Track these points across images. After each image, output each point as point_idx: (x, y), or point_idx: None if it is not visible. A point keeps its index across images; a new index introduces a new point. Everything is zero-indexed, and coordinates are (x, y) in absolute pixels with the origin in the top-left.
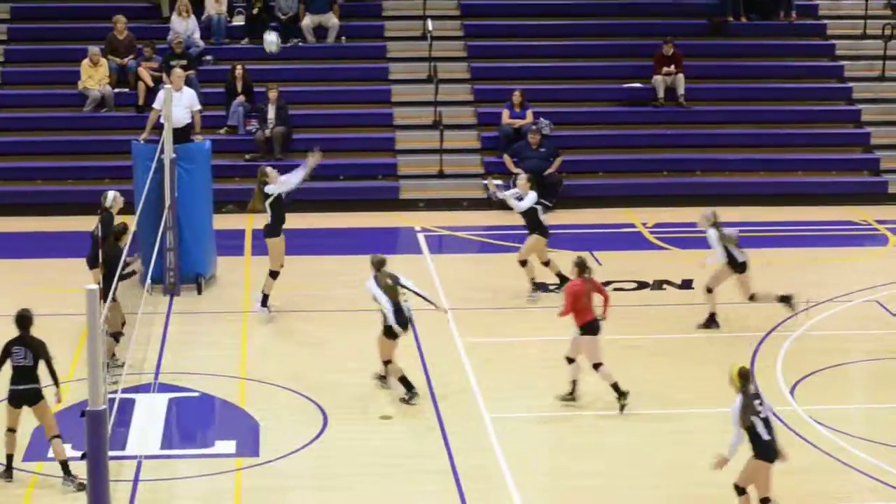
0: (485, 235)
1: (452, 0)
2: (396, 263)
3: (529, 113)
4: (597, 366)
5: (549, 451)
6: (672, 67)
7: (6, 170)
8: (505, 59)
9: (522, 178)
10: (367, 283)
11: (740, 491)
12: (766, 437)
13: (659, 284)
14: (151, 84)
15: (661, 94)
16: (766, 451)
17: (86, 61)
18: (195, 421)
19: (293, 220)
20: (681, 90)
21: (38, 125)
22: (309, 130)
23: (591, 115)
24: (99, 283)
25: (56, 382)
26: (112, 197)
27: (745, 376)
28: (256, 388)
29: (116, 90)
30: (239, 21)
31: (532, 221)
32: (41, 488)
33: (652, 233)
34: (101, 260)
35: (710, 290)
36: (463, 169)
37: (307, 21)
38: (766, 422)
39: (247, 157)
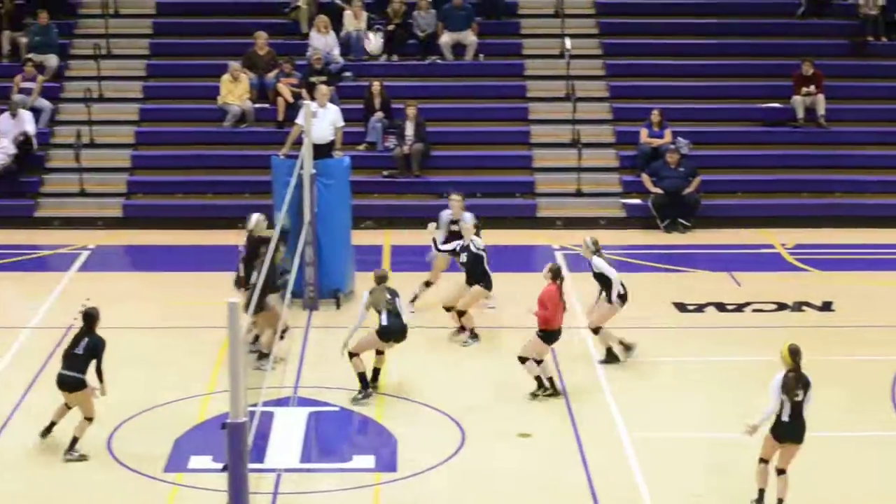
0: (622, 254)
1: (591, 18)
2: (534, 282)
3: (668, 132)
4: (524, 359)
5: (689, 473)
6: (812, 87)
7: (147, 183)
8: (644, 78)
9: (467, 223)
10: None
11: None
12: (784, 418)
13: (798, 306)
14: (291, 100)
15: (800, 114)
16: (778, 429)
17: (226, 76)
18: (334, 435)
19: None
20: (821, 110)
21: (179, 139)
22: (447, 147)
23: (729, 135)
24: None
25: (101, 379)
26: (255, 220)
27: (795, 353)
28: (394, 404)
29: (256, 105)
30: (378, 38)
31: (475, 270)
32: (182, 500)
33: (791, 254)
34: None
35: (596, 332)
36: (601, 188)
37: (445, 38)
38: (797, 405)
39: (385, 173)
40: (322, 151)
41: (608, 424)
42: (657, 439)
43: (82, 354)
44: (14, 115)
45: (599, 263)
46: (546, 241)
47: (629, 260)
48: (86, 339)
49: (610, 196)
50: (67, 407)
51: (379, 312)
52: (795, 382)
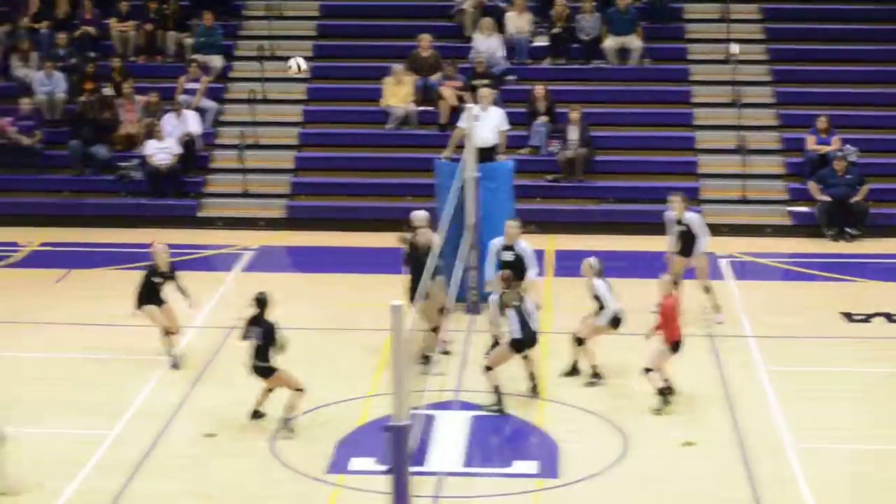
0: (789, 262)
1: (757, 24)
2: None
3: (836, 139)
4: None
5: (856, 487)
6: None
7: (310, 185)
8: (811, 84)
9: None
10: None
11: None
12: None
13: None
14: (454, 103)
15: None
16: None
17: (389, 79)
18: (495, 440)
19: (598, 243)
20: None
21: (342, 142)
22: (611, 152)
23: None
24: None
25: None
26: (418, 216)
27: None
28: (556, 410)
29: (419, 108)
30: (541, 41)
31: None
32: (344, 502)
33: None
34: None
35: (580, 343)
36: (767, 195)
37: (610, 42)
38: None
39: (548, 177)
40: (484, 155)
41: (773, 435)
42: (823, 451)
43: (263, 344)
44: (179, 116)
45: (600, 287)
46: (710, 248)
47: (795, 269)
48: (259, 328)
49: (776, 203)
50: (269, 390)
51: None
52: None
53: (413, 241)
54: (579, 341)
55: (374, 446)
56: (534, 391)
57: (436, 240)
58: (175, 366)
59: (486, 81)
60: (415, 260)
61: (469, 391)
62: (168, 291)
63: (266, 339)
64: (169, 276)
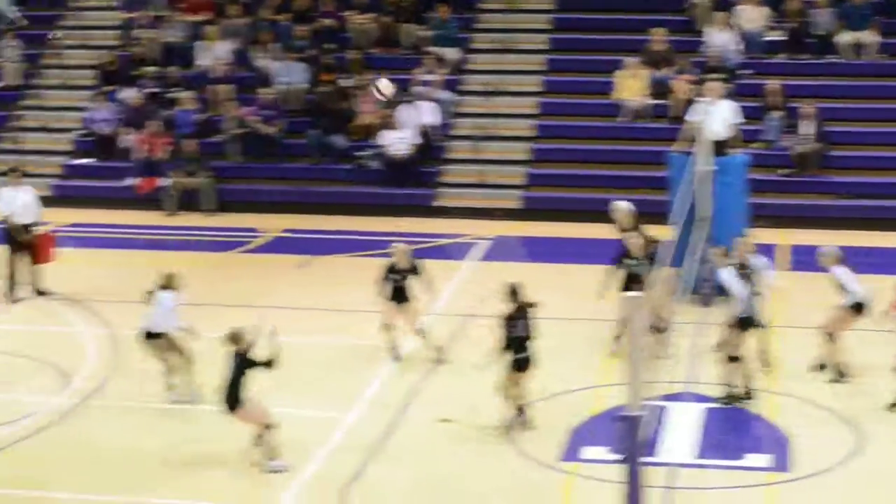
0: None
1: None
2: None
3: None
4: None
5: None
6: None
7: (545, 176)
8: None
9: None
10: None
11: None
12: None
13: None
14: (687, 96)
15: None
16: None
17: (624, 72)
18: (727, 432)
19: (833, 238)
20: None
21: (577, 134)
22: (845, 148)
23: None
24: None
25: None
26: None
27: None
28: (789, 403)
29: (653, 101)
30: (775, 36)
31: None
32: (577, 490)
33: None
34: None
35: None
36: None
37: (844, 37)
38: None
39: (781, 172)
40: (716, 148)
41: None
42: None
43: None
44: (415, 107)
45: (841, 274)
46: None
47: None
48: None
49: None
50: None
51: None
52: None
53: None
54: (829, 336)
55: (607, 436)
56: (765, 366)
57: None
58: (397, 358)
59: (719, 75)
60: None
61: (701, 383)
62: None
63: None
64: (410, 272)
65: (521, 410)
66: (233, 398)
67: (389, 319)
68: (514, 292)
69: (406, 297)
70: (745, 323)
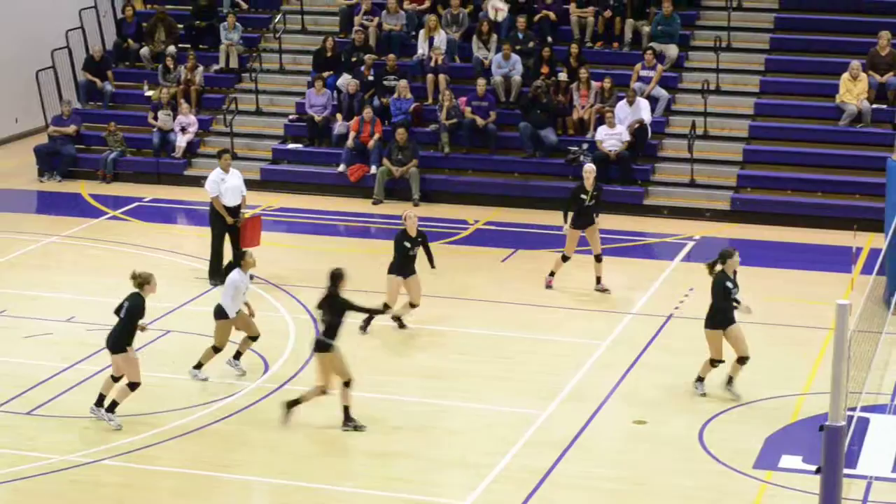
0: None
1: None
2: None
3: None
4: None
5: None
6: None
7: (757, 178)
8: None
9: None
10: None
11: None
12: None
13: None
14: None
15: None
16: None
17: (846, 75)
18: None
19: None
20: None
21: (792, 136)
22: None
23: None
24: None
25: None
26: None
27: None
28: None
29: (874, 106)
30: None
31: None
32: (771, 498)
33: None
34: None
35: None
36: None
37: None
38: None
39: None
40: None
41: None
42: None
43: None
44: (631, 103)
45: None
46: None
47: None
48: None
49: None
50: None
51: None
52: None
53: None
54: None
55: (804, 444)
56: None
57: None
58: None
59: None
60: None
61: None
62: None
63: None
64: (420, 242)
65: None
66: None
67: (395, 294)
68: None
69: (413, 269)
70: None
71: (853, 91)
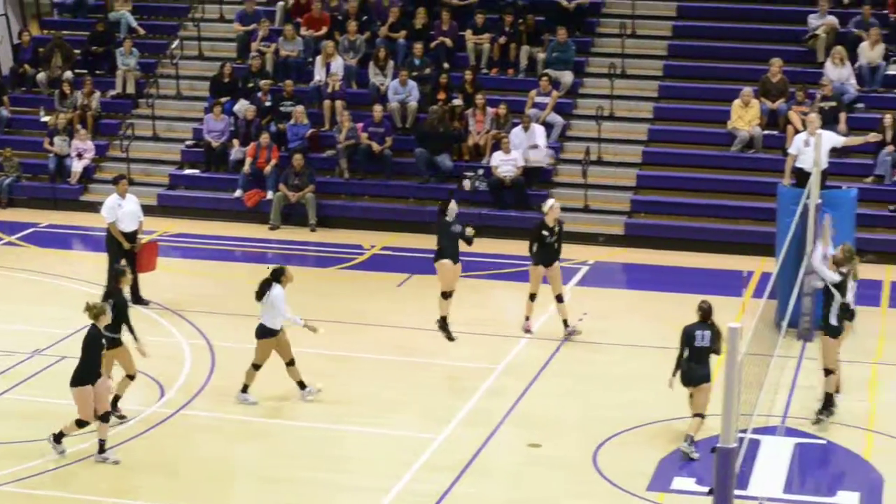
0: None
1: None
2: None
3: None
4: None
5: None
6: None
7: (650, 203)
8: None
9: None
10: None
11: None
12: None
13: None
14: (802, 128)
15: None
16: None
17: (737, 101)
18: (819, 468)
19: None
20: None
21: (685, 162)
22: None
23: None
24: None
25: None
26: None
27: None
28: (884, 442)
29: (765, 132)
30: (894, 70)
31: None
32: None
33: None
34: None
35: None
36: None
37: None
38: None
39: (891, 207)
40: (814, 178)
41: None
42: None
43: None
44: (526, 129)
45: None
46: None
47: None
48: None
49: None
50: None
51: None
52: None
53: None
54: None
55: (696, 466)
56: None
57: None
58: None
59: (831, 104)
60: None
61: (796, 418)
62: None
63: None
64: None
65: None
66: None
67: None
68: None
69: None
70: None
71: (745, 117)
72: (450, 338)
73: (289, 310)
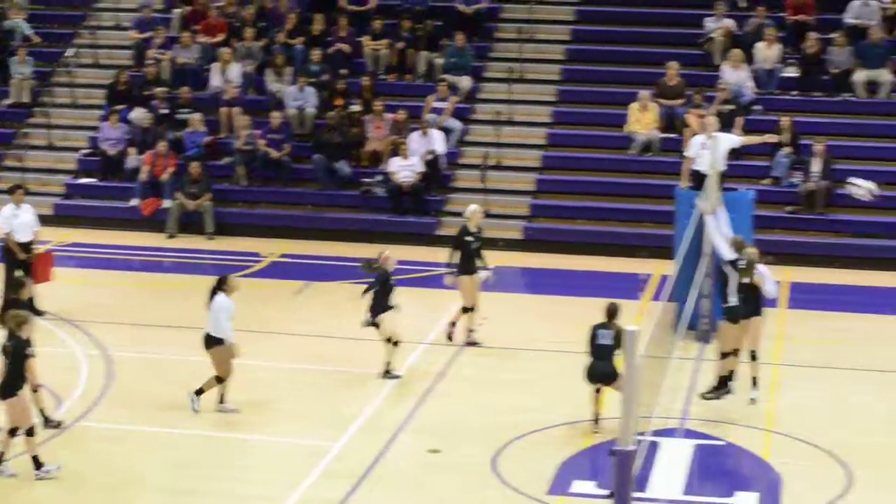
0: None
1: None
2: None
3: None
4: None
5: None
6: None
7: (551, 207)
8: None
9: None
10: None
11: None
12: None
13: None
14: (699, 131)
15: None
16: None
17: (635, 105)
18: (718, 469)
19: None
20: None
21: (584, 166)
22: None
23: None
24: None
25: None
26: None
27: None
28: (781, 442)
29: (663, 135)
30: (790, 72)
31: None
32: None
33: None
34: None
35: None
36: None
37: (859, 76)
38: None
39: (788, 209)
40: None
41: None
42: None
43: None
44: (425, 134)
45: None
46: None
47: None
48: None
49: None
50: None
51: None
52: None
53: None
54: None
55: (596, 469)
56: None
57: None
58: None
59: (730, 108)
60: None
61: (695, 419)
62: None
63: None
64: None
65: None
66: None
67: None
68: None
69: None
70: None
71: (642, 121)
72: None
73: (228, 323)
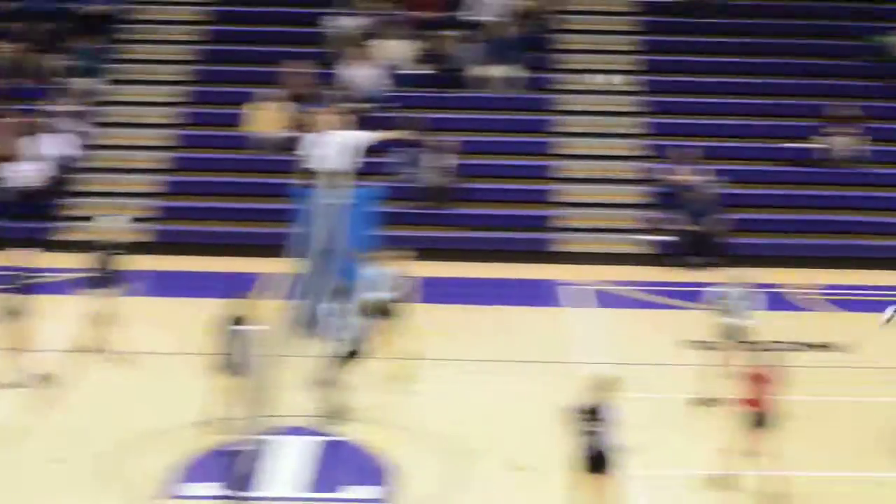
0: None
1: (631, 56)
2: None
3: (689, 169)
4: None
5: None
6: (848, 127)
7: (180, 209)
8: (683, 116)
9: None
10: None
11: None
12: None
13: (820, 346)
14: (323, 129)
15: (830, 154)
16: None
17: (255, 104)
18: (338, 465)
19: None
20: (857, 151)
21: (211, 167)
22: (478, 181)
23: (766, 174)
24: None
25: None
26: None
27: None
28: (404, 435)
29: (287, 134)
30: (415, 69)
31: None
32: None
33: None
34: None
35: None
36: (626, 223)
37: (479, 71)
38: None
39: (413, 204)
40: (338, 179)
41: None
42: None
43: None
44: (49, 138)
45: None
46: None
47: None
48: None
49: (632, 232)
50: None
51: None
52: None
53: None
54: None
55: (212, 471)
56: None
57: None
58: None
59: (350, 106)
60: None
61: (312, 416)
62: None
63: None
64: None
65: None
66: None
67: None
68: None
69: None
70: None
71: (265, 119)
72: None
73: None
